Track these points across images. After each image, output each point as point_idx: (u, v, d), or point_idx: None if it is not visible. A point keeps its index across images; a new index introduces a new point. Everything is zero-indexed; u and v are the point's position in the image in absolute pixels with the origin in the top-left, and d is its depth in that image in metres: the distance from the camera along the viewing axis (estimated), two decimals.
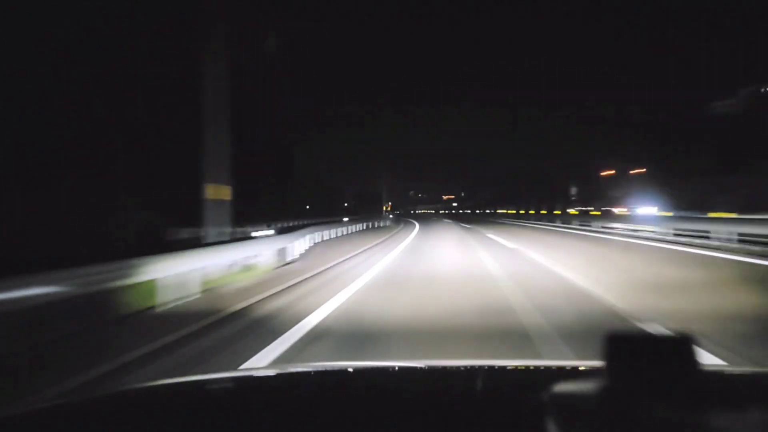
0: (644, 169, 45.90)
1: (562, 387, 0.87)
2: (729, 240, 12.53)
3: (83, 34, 19.31)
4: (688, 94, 47.01)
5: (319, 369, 1.80)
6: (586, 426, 0.73)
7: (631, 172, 48.62)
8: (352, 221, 26.61)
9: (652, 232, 17.02)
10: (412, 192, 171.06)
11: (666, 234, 15.87)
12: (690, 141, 40.95)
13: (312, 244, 15.02)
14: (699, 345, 0.77)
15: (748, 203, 21.34)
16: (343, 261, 11.10)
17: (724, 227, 13.15)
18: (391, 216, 53.26)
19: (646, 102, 56.32)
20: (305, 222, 24.49)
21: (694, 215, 18.27)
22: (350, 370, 1.66)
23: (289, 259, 10.82)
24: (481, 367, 1.42)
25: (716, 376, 1.24)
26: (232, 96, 10.15)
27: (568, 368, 1.47)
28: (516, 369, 1.50)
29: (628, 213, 29.44)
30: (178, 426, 1.01)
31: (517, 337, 4.48)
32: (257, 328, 5.15)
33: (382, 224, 33.03)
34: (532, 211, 46.13)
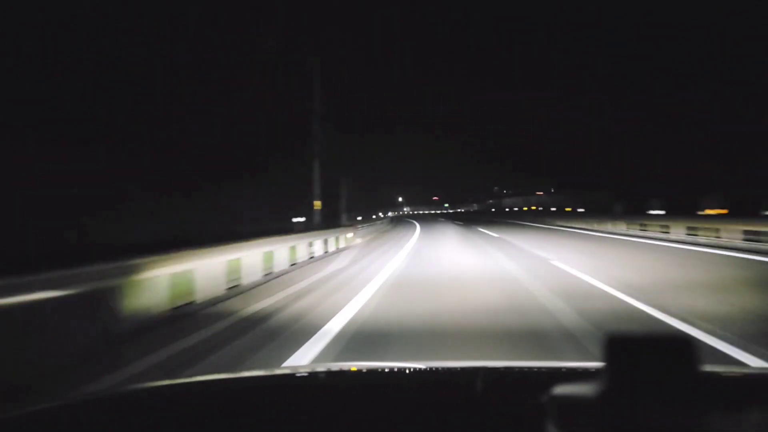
0: None
1: (562, 388, 0.84)
2: None
3: None
4: None
5: (321, 370, 1.85)
6: (586, 427, 0.73)
7: None
8: None
9: None
10: (496, 188, 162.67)
11: None
12: None
13: None
14: (699, 346, 0.75)
15: None
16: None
17: None
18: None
19: None
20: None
21: None
22: (350, 371, 1.69)
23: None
24: (481, 368, 1.45)
25: (716, 376, 1.25)
26: None
27: (567, 369, 1.52)
28: (516, 370, 1.53)
29: None
30: (177, 428, 1.04)
31: None
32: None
33: None
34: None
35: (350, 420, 1.04)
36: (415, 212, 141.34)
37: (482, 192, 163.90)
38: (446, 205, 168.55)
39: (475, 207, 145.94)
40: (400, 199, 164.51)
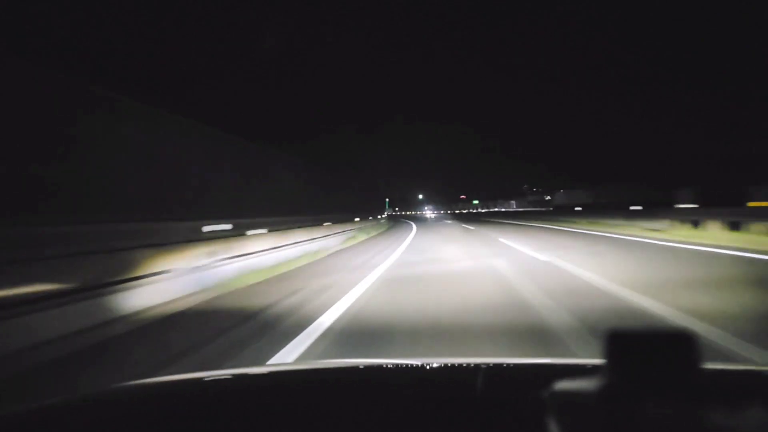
0: None
1: (563, 385, 0.85)
2: None
3: None
4: None
5: (318, 367, 1.81)
6: (587, 424, 0.73)
7: None
8: None
9: None
10: (526, 186, 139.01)
11: None
12: None
13: None
14: (700, 342, 0.75)
15: None
16: None
17: None
18: None
19: None
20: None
21: None
22: (347, 367, 1.67)
23: None
24: (482, 365, 1.42)
25: (717, 374, 1.25)
26: None
27: (568, 366, 1.52)
28: (517, 366, 1.50)
29: None
30: (176, 423, 1.04)
31: None
32: None
33: None
34: None
35: (348, 418, 1.03)
36: (437, 213, 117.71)
37: (508, 190, 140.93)
38: (476, 202, 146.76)
39: (513, 206, 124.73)
40: (420, 196, 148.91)
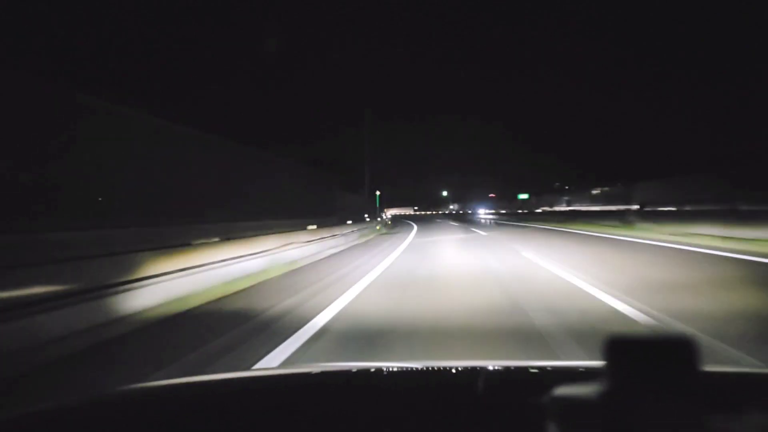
0: None
1: (563, 388, 0.84)
2: None
3: None
4: None
5: (321, 370, 1.83)
6: (587, 427, 0.73)
7: None
8: None
9: None
10: (557, 183, 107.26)
11: None
12: None
13: None
14: (700, 346, 0.75)
15: None
16: None
17: None
18: None
19: None
20: None
21: None
22: (347, 371, 1.68)
23: None
24: (481, 368, 1.43)
25: (717, 377, 1.25)
26: None
27: (568, 369, 1.50)
28: (516, 370, 1.49)
29: None
30: (180, 427, 1.04)
31: None
32: None
33: None
34: None
35: (345, 422, 1.03)
36: (488, 213, 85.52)
37: (535, 187, 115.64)
38: (524, 196, 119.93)
39: (563, 205, 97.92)
40: (445, 193, 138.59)
